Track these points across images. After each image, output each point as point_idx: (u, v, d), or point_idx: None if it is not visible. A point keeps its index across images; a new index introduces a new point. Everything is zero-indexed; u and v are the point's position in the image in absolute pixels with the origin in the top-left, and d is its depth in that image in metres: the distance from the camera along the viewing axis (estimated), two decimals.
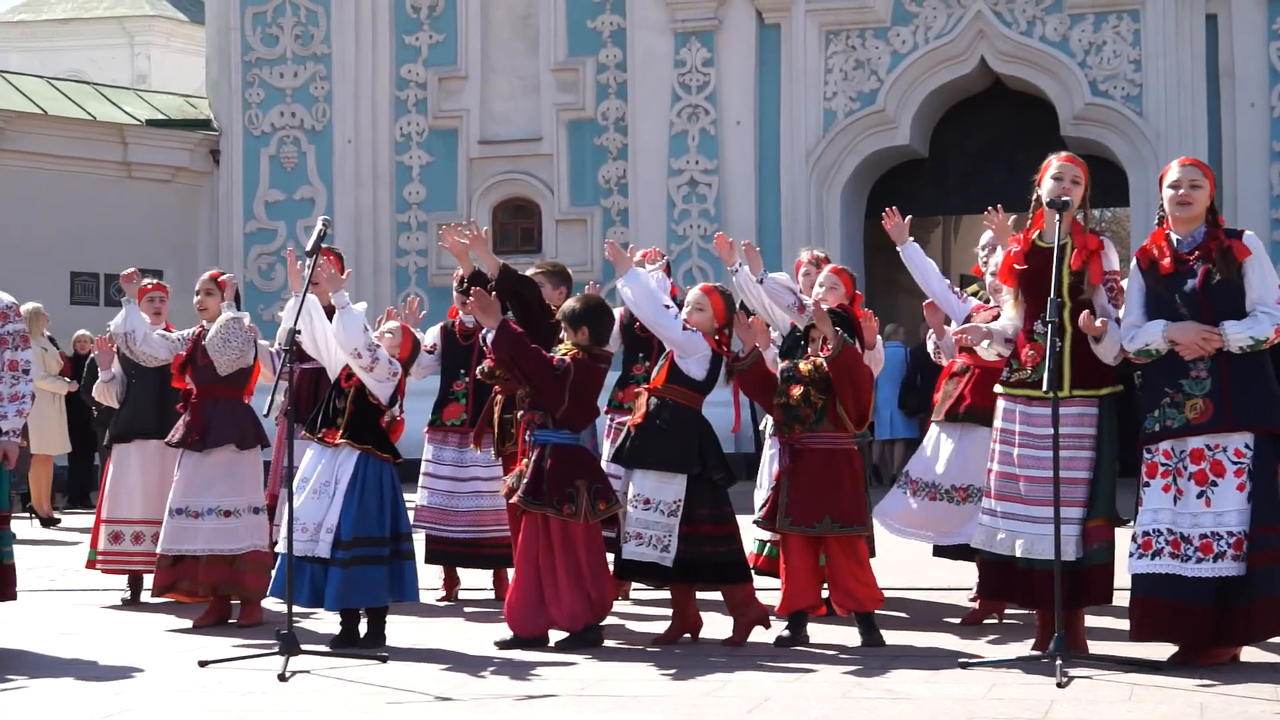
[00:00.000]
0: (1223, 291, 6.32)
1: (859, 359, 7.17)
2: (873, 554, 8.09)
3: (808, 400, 7.09)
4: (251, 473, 8.44)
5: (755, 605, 7.30)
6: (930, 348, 8.34)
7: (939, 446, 7.87)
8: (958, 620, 7.78)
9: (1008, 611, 7.78)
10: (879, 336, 8.34)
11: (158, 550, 8.40)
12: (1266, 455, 6.27)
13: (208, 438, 8.29)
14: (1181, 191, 6.42)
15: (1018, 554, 6.57)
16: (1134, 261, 6.56)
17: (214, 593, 8.27)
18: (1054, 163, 6.70)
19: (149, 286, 9.47)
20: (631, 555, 7.20)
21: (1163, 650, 6.40)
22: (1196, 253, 6.39)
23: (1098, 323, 6.45)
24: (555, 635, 7.25)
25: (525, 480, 7.16)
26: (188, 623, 8.24)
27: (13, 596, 7.59)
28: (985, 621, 7.69)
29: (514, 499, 7.26)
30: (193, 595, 8.40)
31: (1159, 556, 6.31)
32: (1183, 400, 6.34)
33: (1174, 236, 6.46)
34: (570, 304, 7.40)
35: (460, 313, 9.10)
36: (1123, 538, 6.56)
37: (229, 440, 8.33)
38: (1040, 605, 6.66)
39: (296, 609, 7.19)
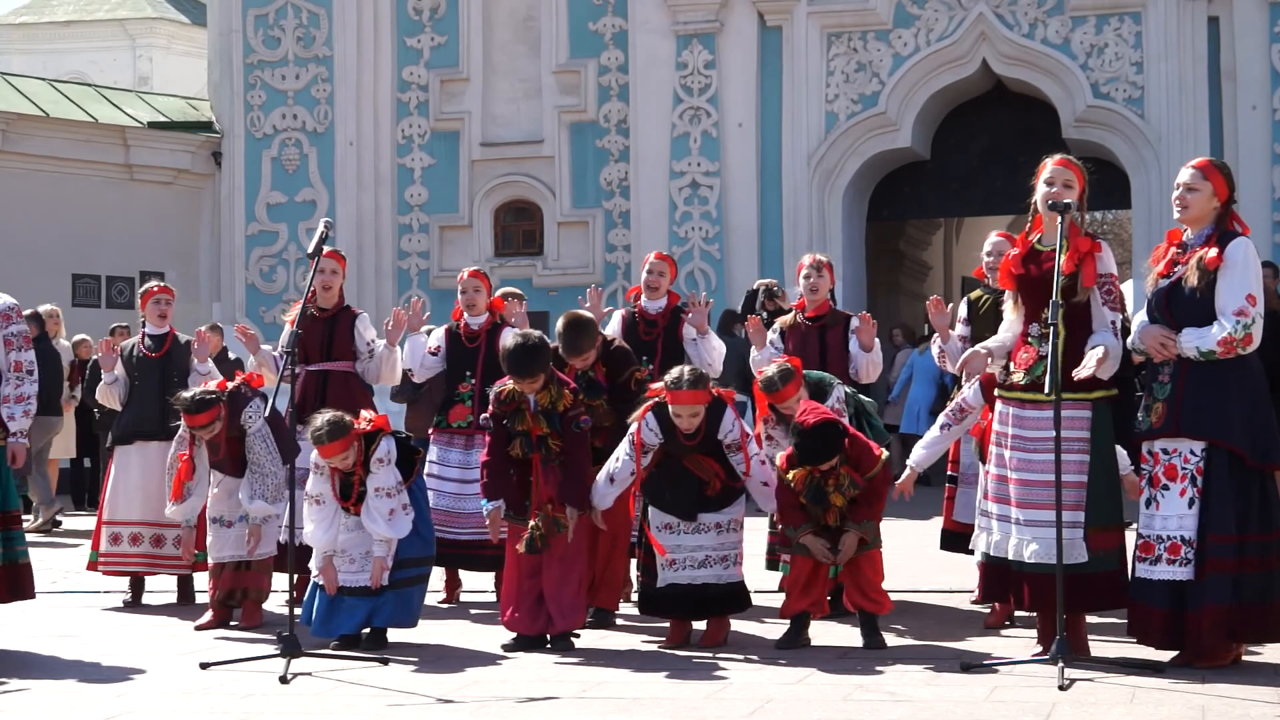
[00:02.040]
0: (1186, 298, 6.31)
1: (875, 487, 7.17)
2: None
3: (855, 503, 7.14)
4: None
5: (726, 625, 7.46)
6: (934, 352, 8.33)
7: None
8: (962, 623, 7.77)
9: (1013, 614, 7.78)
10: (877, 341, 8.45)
11: (210, 560, 8.30)
12: (1222, 466, 6.25)
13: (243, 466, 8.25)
14: (1174, 195, 6.48)
15: (1010, 556, 6.59)
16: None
17: (229, 599, 8.27)
18: (1048, 166, 6.68)
19: (155, 290, 9.53)
20: (709, 580, 7.25)
21: (1165, 652, 6.40)
22: (1188, 255, 6.40)
23: (1091, 365, 6.37)
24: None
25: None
26: (189, 624, 8.25)
27: (31, 595, 7.64)
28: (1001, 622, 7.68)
29: (537, 548, 7.25)
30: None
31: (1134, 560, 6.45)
32: (1151, 404, 6.40)
33: (1188, 236, 6.48)
34: (507, 356, 7.24)
35: (464, 314, 9.09)
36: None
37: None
38: (1036, 608, 6.67)
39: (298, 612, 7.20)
